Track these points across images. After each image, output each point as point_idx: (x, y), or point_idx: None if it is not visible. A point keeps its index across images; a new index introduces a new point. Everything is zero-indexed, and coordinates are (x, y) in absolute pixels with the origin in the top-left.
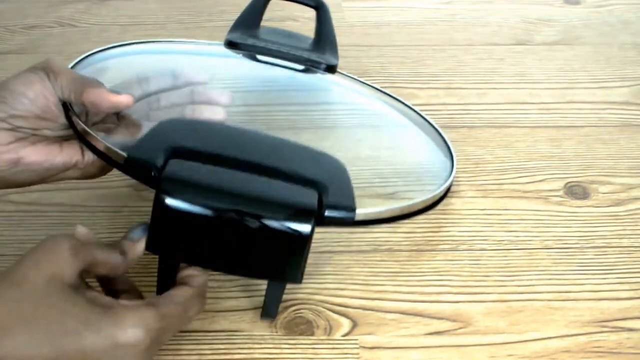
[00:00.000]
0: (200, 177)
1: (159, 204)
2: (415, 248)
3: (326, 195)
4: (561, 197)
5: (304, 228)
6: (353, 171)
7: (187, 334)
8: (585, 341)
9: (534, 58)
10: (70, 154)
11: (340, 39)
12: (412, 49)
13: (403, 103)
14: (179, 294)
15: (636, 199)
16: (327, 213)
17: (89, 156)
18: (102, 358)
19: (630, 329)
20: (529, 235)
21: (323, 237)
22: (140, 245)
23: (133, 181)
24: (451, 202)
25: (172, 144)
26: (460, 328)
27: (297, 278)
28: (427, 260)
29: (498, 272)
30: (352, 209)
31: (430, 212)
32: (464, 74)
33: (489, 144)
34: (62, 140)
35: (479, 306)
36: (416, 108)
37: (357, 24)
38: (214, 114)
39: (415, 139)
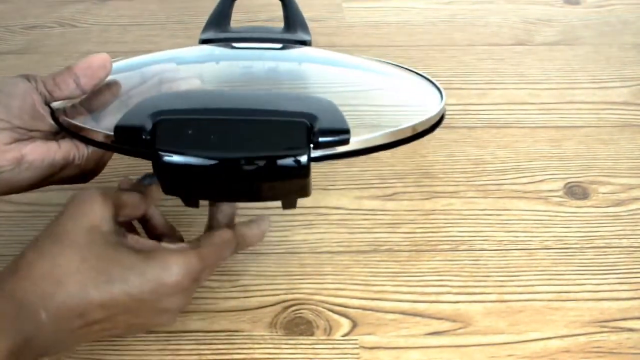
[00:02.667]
0: (191, 129)
1: (157, 164)
2: (415, 248)
3: (317, 122)
4: (561, 197)
5: (302, 158)
6: (344, 109)
7: (187, 334)
8: (585, 341)
9: (534, 58)
10: (67, 149)
11: (340, 39)
12: (412, 49)
13: (381, 61)
14: (217, 235)
15: (636, 199)
16: (321, 139)
17: (84, 150)
18: (147, 298)
19: (630, 329)
20: (528, 235)
21: (323, 238)
22: (153, 187)
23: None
24: (451, 203)
25: (157, 109)
26: (460, 328)
27: (306, 194)
28: (427, 261)
29: (498, 272)
30: (346, 131)
31: (431, 213)
32: (464, 74)
33: (489, 144)
34: (57, 138)
35: (478, 306)
36: (392, 62)
37: (357, 24)
38: (190, 85)
39: (400, 80)
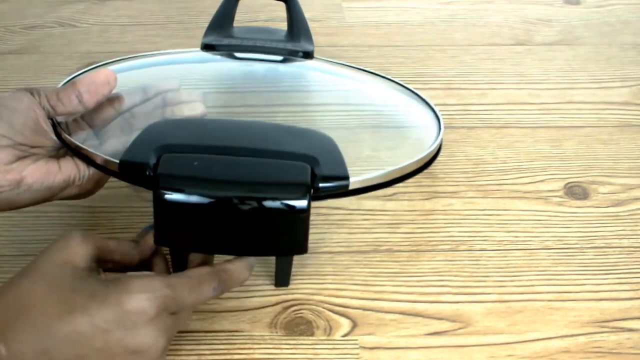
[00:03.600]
0: (193, 168)
1: (158, 201)
2: (415, 248)
3: (318, 167)
4: (561, 197)
5: (301, 203)
6: (342, 142)
7: (187, 334)
8: (585, 341)
9: (534, 58)
10: (68, 171)
11: (340, 39)
12: (412, 49)
13: (383, 77)
14: (194, 269)
15: (636, 199)
16: (321, 185)
17: (85, 171)
18: (114, 330)
19: (630, 329)
20: (528, 235)
21: (323, 238)
22: (151, 237)
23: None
24: (451, 203)
25: (161, 142)
26: (460, 328)
27: (303, 250)
28: (427, 261)
29: (498, 272)
30: (346, 177)
31: (431, 213)
32: (464, 75)
33: (489, 144)
34: (58, 158)
35: (478, 306)
36: (396, 79)
37: (357, 24)
38: (193, 109)
39: (399, 106)
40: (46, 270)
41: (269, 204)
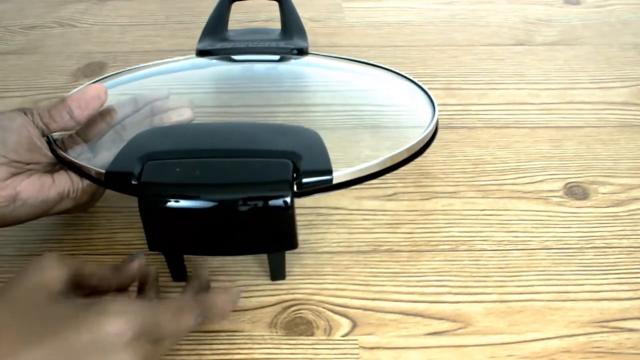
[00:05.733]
0: (176, 174)
1: (144, 209)
2: (415, 249)
3: (301, 163)
4: (561, 197)
5: (284, 200)
6: (336, 135)
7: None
8: (585, 341)
9: (534, 58)
10: (62, 184)
11: (340, 39)
12: (412, 49)
13: (377, 66)
14: (176, 298)
15: (636, 199)
16: (304, 180)
17: (78, 183)
18: (90, 354)
19: (630, 329)
20: (528, 235)
21: (323, 238)
22: (134, 264)
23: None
24: (451, 203)
25: (145, 151)
26: (460, 328)
27: (293, 245)
28: (427, 261)
29: (498, 272)
30: (329, 171)
31: (431, 213)
32: (464, 75)
33: (489, 144)
34: (52, 173)
35: (478, 306)
36: (392, 68)
37: (357, 24)
38: (181, 115)
39: (393, 95)
40: (18, 296)
41: (252, 203)
